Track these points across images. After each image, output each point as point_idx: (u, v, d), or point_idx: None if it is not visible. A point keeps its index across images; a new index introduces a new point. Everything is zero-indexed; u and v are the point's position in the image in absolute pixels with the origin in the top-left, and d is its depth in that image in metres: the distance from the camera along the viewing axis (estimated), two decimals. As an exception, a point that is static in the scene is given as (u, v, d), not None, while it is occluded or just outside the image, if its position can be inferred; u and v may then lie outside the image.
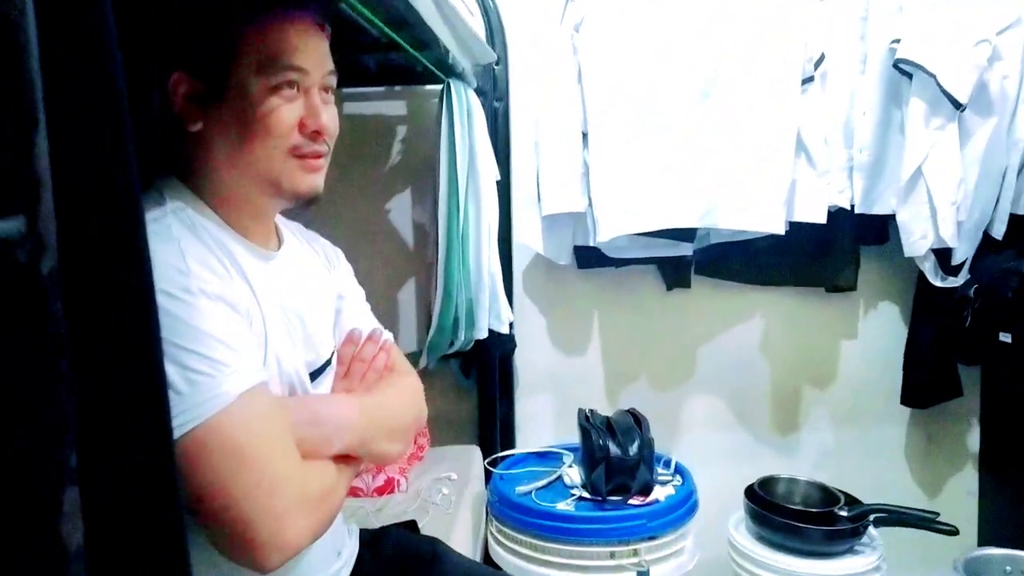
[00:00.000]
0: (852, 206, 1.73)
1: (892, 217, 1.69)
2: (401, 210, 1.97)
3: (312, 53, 0.87)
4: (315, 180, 0.91)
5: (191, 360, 0.73)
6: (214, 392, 0.73)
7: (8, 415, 0.27)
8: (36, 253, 0.27)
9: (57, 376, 0.28)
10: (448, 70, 1.53)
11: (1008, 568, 1.51)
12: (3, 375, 0.26)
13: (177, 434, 0.70)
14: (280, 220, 1.03)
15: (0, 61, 0.26)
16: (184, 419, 0.72)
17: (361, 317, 1.13)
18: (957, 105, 1.55)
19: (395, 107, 1.95)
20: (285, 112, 0.86)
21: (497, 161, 1.70)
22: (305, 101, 0.88)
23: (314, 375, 0.99)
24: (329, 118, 0.90)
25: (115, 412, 0.32)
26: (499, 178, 1.70)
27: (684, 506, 1.49)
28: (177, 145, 0.88)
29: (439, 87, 1.58)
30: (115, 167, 0.32)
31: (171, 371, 0.72)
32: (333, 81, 0.92)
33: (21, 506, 0.27)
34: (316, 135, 0.88)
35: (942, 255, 1.69)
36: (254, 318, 0.86)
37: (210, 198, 0.89)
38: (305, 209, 0.93)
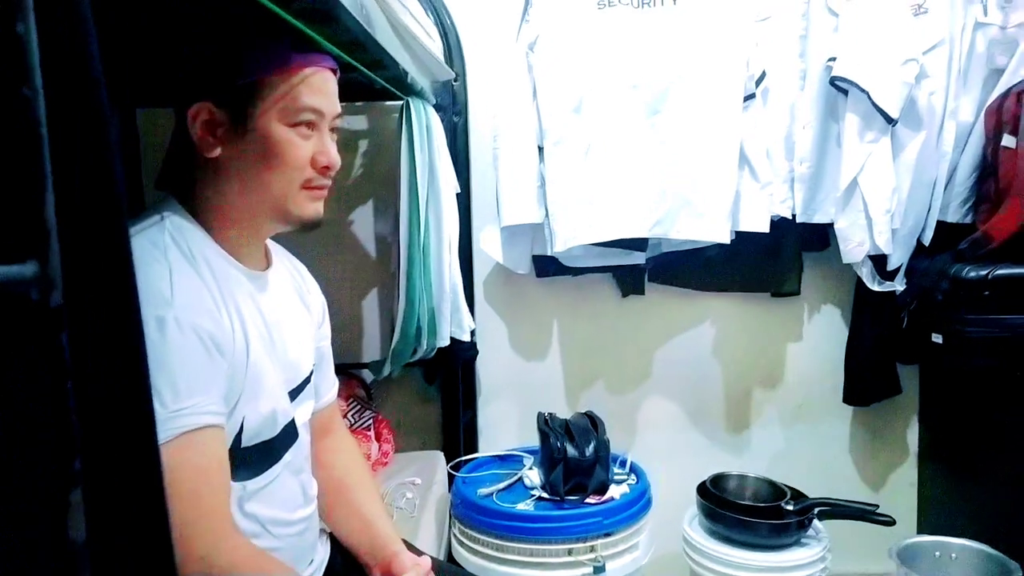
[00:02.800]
0: (794, 215, 1.82)
1: (831, 225, 1.78)
2: (364, 222, 2.01)
3: (328, 97, 0.96)
4: (319, 208, 0.99)
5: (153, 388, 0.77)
6: (166, 420, 0.77)
7: (26, 429, 0.32)
8: (46, 291, 0.32)
9: (65, 395, 0.33)
10: (407, 89, 1.58)
11: (937, 553, 1.61)
12: (22, 396, 0.31)
13: None
14: (270, 245, 1.08)
15: (18, 134, 0.31)
16: None
17: (331, 371, 1.21)
18: (889, 120, 1.65)
19: (356, 121, 1.99)
20: (301, 148, 0.93)
21: (457, 174, 1.75)
22: (317, 139, 0.95)
23: (293, 394, 1.03)
24: (336, 154, 0.98)
25: (109, 421, 0.37)
26: (459, 190, 1.75)
27: (638, 503, 1.56)
28: (186, 168, 0.94)
29: (399, 103, 1.63)
30: (107, 210, 0.37)
31: None
32: (339, 122, 1.01)
33: (37, 505, 0.32)
34: (326, 170, 0.97)
35: (878, 261, 1.79)
36: (237, 345, 0.89)
37: (211, 221, 0.94)
38: (307, 232, 1.00)
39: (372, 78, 1.42)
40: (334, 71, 1.00)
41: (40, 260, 0.32)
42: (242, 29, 0.91)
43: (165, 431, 0.77)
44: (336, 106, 0.99)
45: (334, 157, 0.98)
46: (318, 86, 0.95)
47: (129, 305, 0.39)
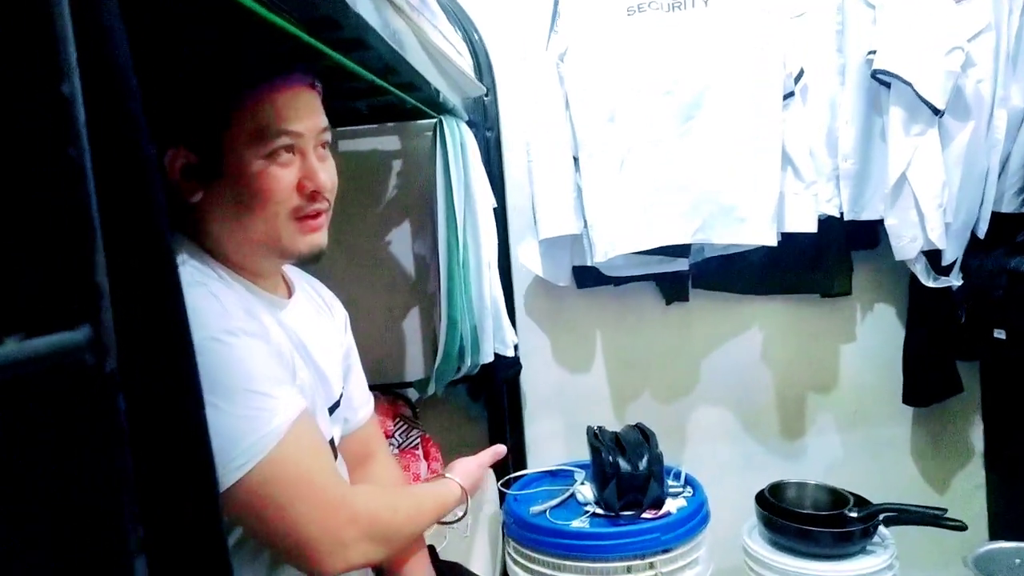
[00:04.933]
0: (841, 214, 1.77)
1: (881, 222, 1.73)
2: (401, 242, 2.01)
3: (304, 115, 0.89)
4: (316, 239, 0.93)
5: (245, 399, 0.78)
6: (268, 428, 0.78)
7: (87, 498, 0.31)
8: (101, 355, 0.31)
9: (124, 462, 0.32)
10: (439, 108, 1.57)
11: (1018, 560, 1.53)
12: (81, 464, 0.30)
13: (240, 474, 0.76)
14: (286, 268, 1.07)
15: (65, 196, 0.30)
16: (245, 459, 0.76)
17: (362, 386, 1.20)
18: (935, 111, 1.60)
19: (389, 142, 2.00)
20: (282, 178, 0.87)
21: (492, 189, 1.74)
22: (301, 163, 0.89)
23: (331, 410, 1.03)
24: (327, 175, 0.92)
25: (168, 487, 0.36)
26: (495, 205, 1.75)
27: (696, 517, 1.52)
28: (180, 212, 0.91)
29: (431, 121, 1.63)
30: (158, 268, 0.36)
31: (228, 413, 0.77)
32: (328, 137, 0.94)
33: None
34: (315, 195, 0.90)
35: (932, 256, 1.73)
36: (283, 354, 0.90)
37: (219, 257, 0.93)
38: (312, 264, 0.96)
39: (405, 99, 1.42)
40: (311, 85, 0.92)
41: (93, 324, 0.31)
42: (196, 63, 0.87)
43: (277, 426, 0.79)
44: (319, 122, 0.91)
45: (323, 180, 0.90)
46: (291, 108, 0.87)
47: (188, 366, 0.38)
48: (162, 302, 0.37)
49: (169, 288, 0.37)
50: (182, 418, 0.37)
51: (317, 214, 0.93)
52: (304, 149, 0.90)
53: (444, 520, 1.13)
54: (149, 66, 0.88)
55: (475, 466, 1.18)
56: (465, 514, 1.15)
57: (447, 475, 1.14)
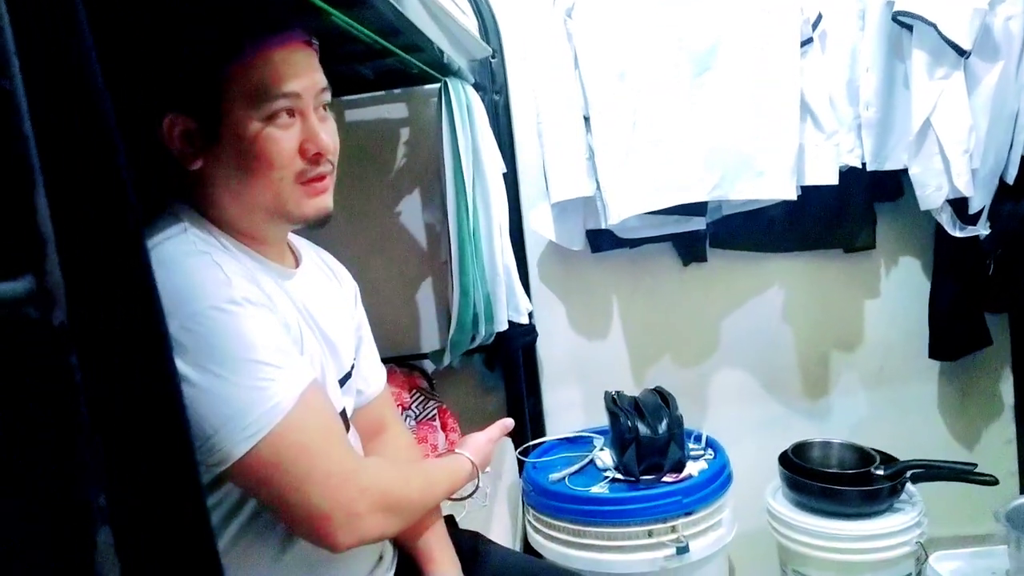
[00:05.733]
0: (863, 164, 1.71)
1: (905, 171, 1.67)
2: (411, 212, 1.98)
3: (302, 75, 0.86)
4: (322, 202, 0.90)
5: (250, 370, 0.76)
6: (276, 399, 0.77)
7: (36, 463, 0.28)
8: (47, 308, 0.28)
9: (79, 423, 0.29)
10: (444, 69, 1.53)
11: (1051, 514, 1.49)
12: (27, 427, 0.27)
13: (249, 445, 0.75)
14: (292, 238, 1.05)
15: (-5, 131, 0.27)
16: (254, 429, 0.75)
17: (373, 358, 1.17)
18: (961, 52, 1.53)
19: (396, 110, 1.96)
20: (283, 141, 0.85)
21: (501, 153, 1.70)
22: (302, 125, 0.87)
23: (342, 382, 1.01)
24: (329, 137, 0.89)
25: (139, 449, 0.33)
26: (505, 170, 1.71)
27: (718, 479, 1.49)
28: (182, 181, 0.89)
29: (437, 86, 1.59)
30: (116, 215, 0.33)
31: (234, 383, 0.75)
32: (328, 97, 0.91)
33: (58, 547, 0.28)
34: (318, 157, 0.88)
35: (959, 205, 1.66)
36: (292, 333, 0.88)
37: (223, 225, 0.90)
38: (319, 228, 0.94)
39: (409, 61, 1.39)
40: (307, 43, 0.89)
41: (36, 274, 0.28)
42: (186, 23, 0.83)
43: (285, 397, 0.77)
44: (318, 81, 0.88)
45: (325, 141, 0.87)
46: (288, 66, 0.84)
47: (152, 318, 0.35)
48: (124, 251, 0.34)
49: (130, 237, 0.34)
50: (151, 380, 0.34)
51: (322, 177, 0.90)
52: (304, 111, 0.87)
53: (455, 496, 1.11)
54: (141, 29, 0.86)
55: (484, 441, 1.16)
56: (476, 489, 1.14)
57: (458, 451, 1.12)
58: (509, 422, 1.22)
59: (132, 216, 0.34)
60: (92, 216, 0.32)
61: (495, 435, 1.19)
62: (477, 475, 1.12)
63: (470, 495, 1.16)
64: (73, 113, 0.32)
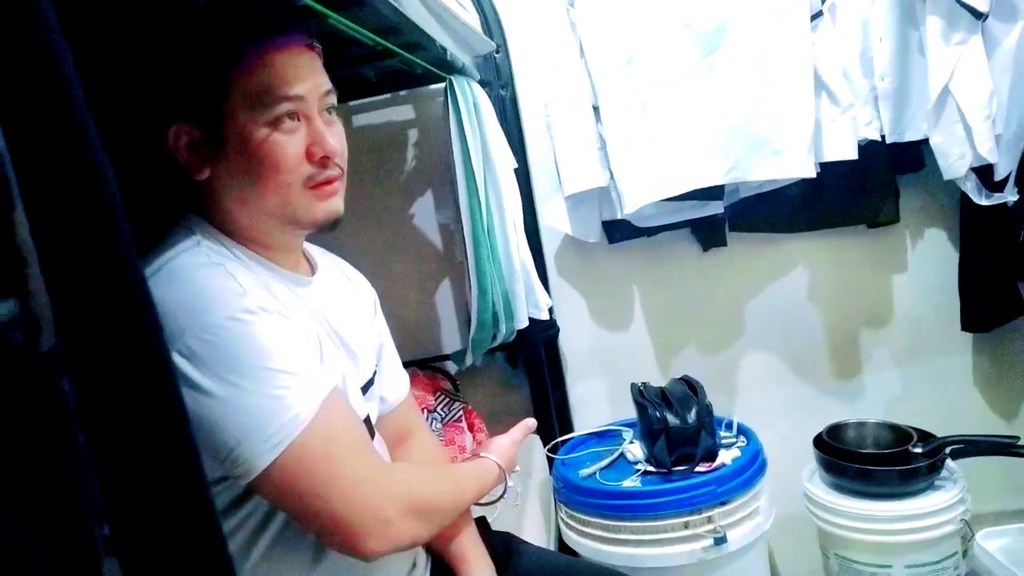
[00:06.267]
0: (882, 137, 1.67)
1: (926, 142, 1.63)
2: (424, 213, 1.97)
3: (305, 78, 0.85)
4: (332, 205, 0.89)
5: (269, 378, 0.75)
6: (298, 407, 0.76)
7: (32, 495, 0.26)
8: (33, 333, 0.27)
9: (75, 454, 0.27)
10: (448, 67, 1.51)
11: (1100, 484, 1.45)
12: (18, 459, 0.26)
13: (272, 456, 0.74)
14: (307, 245, 1.03)
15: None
16: (276, 440, 0.74)
17: (395, 364, 1.16)
18: (977, 15, 1.48)
19: (402, 112, 1.94)
20: (289, 146, 0.84)
21: (512, 149, 1.68)
22: (308, 128, 0.86)
23: (364, 389, 1.00)
24: (336, 140, 0.88)
25: (144, 479, 0.32)
26: (516, 166, 1.69)
27: (752, 466, 1.46)
28: (192, 192, 0.88)
29: (443, 85, 1.57)
30: (103, 224, 0.31)
31: (253, 392, 0.74)
32: (333, 100, 0.90)
33: (60, 585, 0.27)
34: (325, 160, 0.87)
35: (984, 172, 1.62)
36: (308, 333, 0.87)
37: (235, 235, 0.89)
38: (330, 232, 0.92)
39: (412, 60, 1.37)
40: (309, 46, 0.88)
41: (19, 296, 0.26)
42: (185, 31, 0.82)
43: (306, 406, 0.76)
44: (322, 84, 0.87)
45: (332, 144, 0.86)
46: (290, 69, 0.83)
47: (150, 337, 0.33)
48: (115, 267, 0.32)
49: (121, 251, 0.32)
50: (154, 404, 0.33)
51: (330, 181, 0.89)
52: (309, 114, 0.86)
53: (483, 501, 1.10)
54: (140, 40, 0.85)
55: (508, 444, 1.15)
56: (505, 492, 1.12)
57: (483, 454, 1.11)
58: (532, 422, 1.21)
59: (121, 229, 0.32)
60: (78, 231, 0.31)
61: (518, 437, 1.18)
62: (505, 478, 1.10)
63: (499, 498, 1.14)
64: (49, 122, 0.30)
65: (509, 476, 1.12)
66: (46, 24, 0.30)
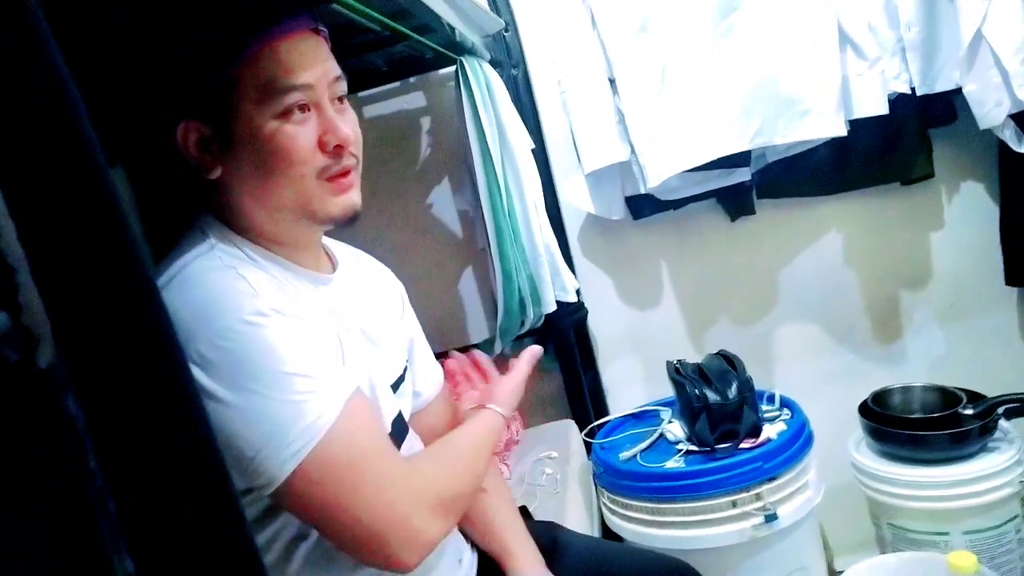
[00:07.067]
0: (912, 89, 1.60)
1: (958, 91, 1.56)
2: (443, 202, 1.93)
3: (312, 64, 0.81)
4: (349, 200, 0.85)
5: (286, 383, 0.72)
6: (317, 412, 0.72)
7: (40, 530, 0.23)
8: (28, 348, 0.23)
9: (87, 479, 0.24)
10: (458, 48, 1.47)
11: None
12: (21, 490, 0.22)
13: (294, 463, 0.70)
14: (328, 241, 1.00)
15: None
16: (298, 446, 0.71)
17: (428, 358, 1.12)
18: (1009, -48, 1.41)
19: (414, 99, 1.90)
20: (300, 137, 0.80)
21: (527, 129, 1.64)
22: (318, 118, 0.82)
23: (394, 387, 0.97)
24: (349, 127, 0.84)
25: (170, 498, 0.28)
26: (533, 146, 1.65)
27: (799, 440, 1.42)
28: (205, 192, 0.85)
29: (453, 68, 1.53)
30: (105, 233, 0.28)
31: (270, 398, 0.71)
32: (343, 87, 0.86)
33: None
34: (339, 150, 0.83)
35: (1021, 119, 1.55)
36: (328, 334, 0.84)
37: (250, 235, 0.86)
38: (348, 226, 0.88)
39: (421, 43, 1.33)
40: (315, 30, 0.83)
41: (9, 309, 0.23)
42: (184, 26, 0.79)
43: (326, 411, 0.73)
44: (330, 70, 0.83)
45: (345, 133, 0.82)
46: (295, 56, 0.79)
47: (165, 348, 0.30)
48: (120, 271, 0.28)
49: (128, 257, 0.29)
50: (176, 420, 0.29)
51: (346, 172, 0.85)
52: (319, 102, 0.82)
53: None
54: (141, 40, 0.82)
55: (512, 385, 1.09)
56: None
57: (486, 406, 1.03)
58: (537, 349, 1.16)
59: (125, 232, 0.29)
60: (78, 236, 0.27)
61: (523, 369, 1.12)
62: (509, 425, 1.05)
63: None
64: (42, 122, 0.27)
65: (514, 411, 1.07)
66: (35, 23, 0.26)
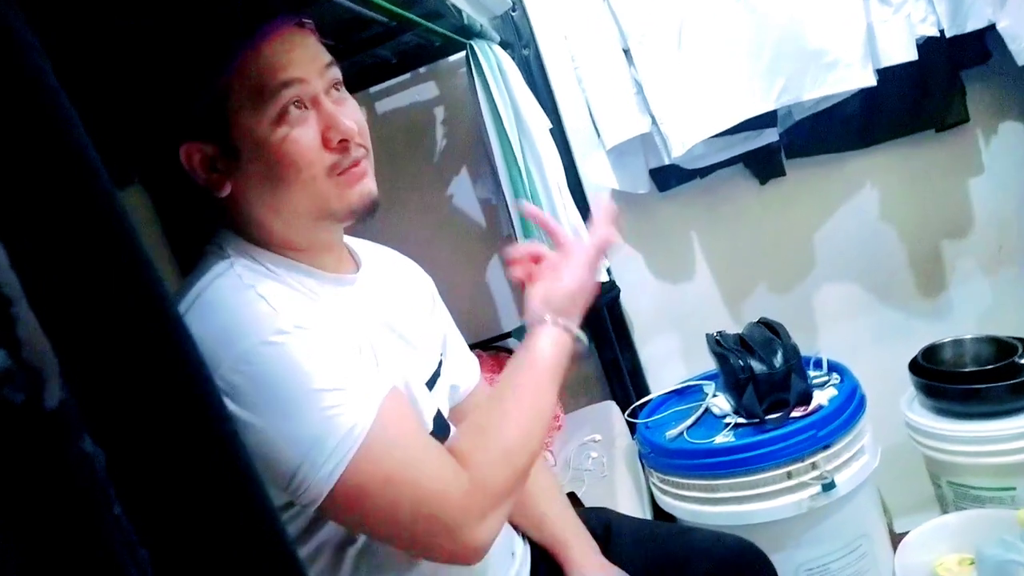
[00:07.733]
0: (941, 31, 1.53)
1: (991, 29, 1.49)
2: (464, 191, 1.91)
3: (300, 58, 0.78)
4: (365, 188, 0.82)
5: (316, 400, 0.69)
6: (351, 422, 0.69)
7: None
8: (33, 387, 0.21)
9: (111, 527, 0.21)
10: (467, 32, 1.44)
11: None
12: (34, 546, 0.20)
13: (333, 480, 0.68)
14: (350, 240, 0.97)
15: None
16: (335, 460, 0.68)
17: (463, 350, 1.09)
18: None
19: (426, 90, 1.87)
20: (303, 139, 0.77)
21: (543, 109, 1.60)
22: (318, 114, 0.79)
23: (430, 384, 0.94)
24: (351, 118, 0.80)
25: (209, 540, 0.26)
26: (551, 126, 1.61)
27: (852, 404, 1.37)
28: (219, 210, 0.83)
29: (463, 54, 1.49)
30: (109, 255, 0.25)
31: (300, 419, 0.69)
32: (338, 74, 0.82)
33: None
34: (345, 144, 0.80)
35: (1062, 51, 1.48)
36: (355, 337, 0.81)
37: (270, 246, 0.83)
38: (369, 218, 0.85)
39: (429, 29, 1.30)
40: (298, 24, 0.79)
41: (7, 346, 0.20)
42: (163, 50, 0.76)
43: (360, 419, 0.70)
44: (320, 59, 0.80)
45: (347, 125, 0.79)
46: (281, 54, 0.76)
47: (191, 377, 0.27)
48: (140, 302, 0.26)
49: (144, 282, 0.26)
50: (210, 456, 0.27)
51: (356, 163, 0.82)
52: (315, 97, 0.79)
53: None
54: (125, 67, 0.79)
55: (577, 274, 0.91)
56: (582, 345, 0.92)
57: (530, 323, 0.92)
58: (608, 206, 0.95)
59: (138, 257, 0.26)
60: (77, 257, 0.24)
61: (598, 244, 0.93)
62: (574, 334, 0.90)
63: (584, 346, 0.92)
64: (40, 143, 0.24)
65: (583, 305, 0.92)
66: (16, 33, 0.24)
